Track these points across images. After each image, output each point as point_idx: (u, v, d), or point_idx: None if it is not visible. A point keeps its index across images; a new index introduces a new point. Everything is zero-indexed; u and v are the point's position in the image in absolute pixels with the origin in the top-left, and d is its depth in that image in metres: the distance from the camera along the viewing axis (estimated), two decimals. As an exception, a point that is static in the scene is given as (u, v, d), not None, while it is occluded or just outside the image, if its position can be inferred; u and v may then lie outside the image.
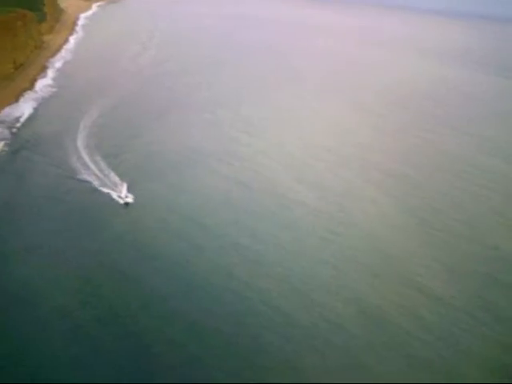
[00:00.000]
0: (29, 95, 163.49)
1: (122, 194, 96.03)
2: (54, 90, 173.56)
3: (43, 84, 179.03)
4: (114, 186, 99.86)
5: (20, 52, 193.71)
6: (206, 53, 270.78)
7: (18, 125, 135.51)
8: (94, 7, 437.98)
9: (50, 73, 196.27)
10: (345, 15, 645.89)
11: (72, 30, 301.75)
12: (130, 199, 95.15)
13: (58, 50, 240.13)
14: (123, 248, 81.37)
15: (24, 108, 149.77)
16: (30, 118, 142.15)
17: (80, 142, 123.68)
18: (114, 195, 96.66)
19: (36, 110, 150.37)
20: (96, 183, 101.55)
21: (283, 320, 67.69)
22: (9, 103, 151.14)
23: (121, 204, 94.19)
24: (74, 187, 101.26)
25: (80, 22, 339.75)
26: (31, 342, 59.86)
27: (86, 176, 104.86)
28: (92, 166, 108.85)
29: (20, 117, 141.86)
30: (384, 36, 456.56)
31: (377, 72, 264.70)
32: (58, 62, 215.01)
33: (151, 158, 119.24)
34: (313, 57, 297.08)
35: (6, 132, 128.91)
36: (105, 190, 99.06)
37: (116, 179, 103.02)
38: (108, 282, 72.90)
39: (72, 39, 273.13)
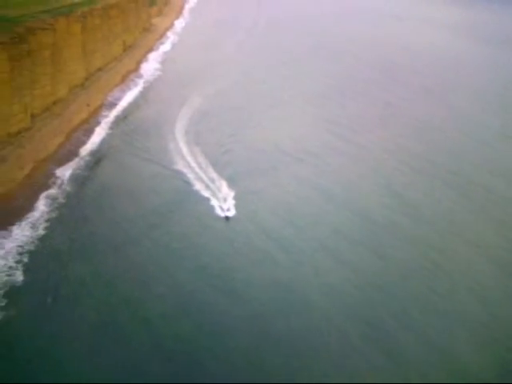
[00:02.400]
0: (135, 77, 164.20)
1: (224, 206, 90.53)
2: (158, 73, 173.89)
3: (149, 67, 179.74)
4: (212, 184, 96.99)
5: (129, 34, 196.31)
6: (318, 42, 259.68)
7: (123, 108, 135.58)
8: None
9: (156, 56, 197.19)
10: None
11: (179, 14, 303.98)
12: (231, 212, 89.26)
13: (165, 33, 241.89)
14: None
15: (129, 91, 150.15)
16: (134, 102, 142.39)
17: (179, 132, 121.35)
18: (214, 202, 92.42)
19: (140, 93, 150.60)
20: (195, 184, 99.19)
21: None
22: (116, 85, 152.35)
23: (221, 217, 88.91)
24: (170, 182, 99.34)
25: (188, 6, 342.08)
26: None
27: (183, 171, 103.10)
28: (192, 164, 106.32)
29: (125, 100, 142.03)
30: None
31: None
32: (164, 45, 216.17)
33: (254, 157, 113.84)
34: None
35: (111, 115, 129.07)
36: (199, 187, 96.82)
37: (215, 178, 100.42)
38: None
39: (179, 23, 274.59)
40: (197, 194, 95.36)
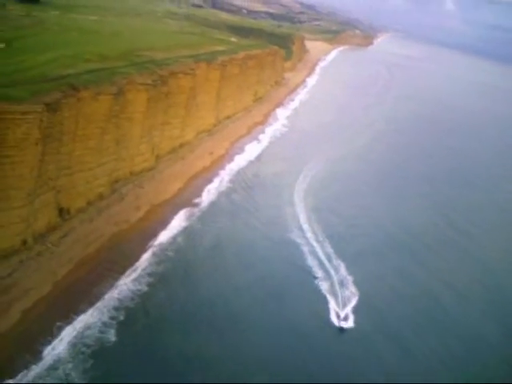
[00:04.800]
0: (261, 130, 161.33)
1: (341, 312, 75.41)
2: (284, 129, 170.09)
3: (275, 121, 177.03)
4: (329, 262, 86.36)
5: (262, 86, 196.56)
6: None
7: (244, 161, 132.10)
8: (336, 51, 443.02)
9: (284, 110, 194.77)
10: None
11: (311, 71, 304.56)
12: (348, 322, 73.68)
13: (296, 88, 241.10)
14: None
15: (253, 143, 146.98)
16: (257, 156, 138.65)
17: (298, 196, 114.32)
18: (328, 295, 79.95)
19: (264, 147, 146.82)
20: (308, 259, 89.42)
21: None
22: (241, 135, 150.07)
23: (335, 325, 73.96)
24: (282, 252, 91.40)
25: (320, 64, 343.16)
26: None
27: (297, 242, 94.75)
28: (308, 233, 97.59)
29: (248, 152, 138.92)
30: None
31: None
32: (293, 101, 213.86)
33: (376, 235, 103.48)
34: None
35: (233, 167, 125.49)
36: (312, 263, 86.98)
37: (332, 255, 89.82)
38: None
39: (310, 80, 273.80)
40: (309, 274, 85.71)
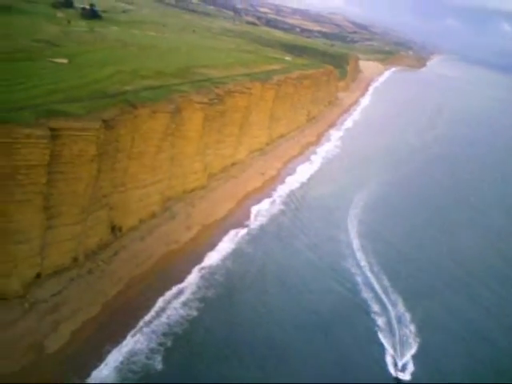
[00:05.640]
0: (313, 151, 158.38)
1: (399, 360, 67.82)
2: (337, 150, 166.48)
3: (328, 142, 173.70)
4: (385, 296, 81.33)
5: (315, 105, 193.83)
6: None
7: (296, 182, 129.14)
8: (389, 72, 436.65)
9: (337, 131, 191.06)
10: None
11: (365, 91, 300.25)
12: (406, 374, 66.08)
13: (349, 109, 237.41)
14: None
15: (305, 164, 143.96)
16: (309, 178, 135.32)
17: (352, 221, 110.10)
18: (383, 336, 73.49)
19: (317, 169, 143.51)
20: (362, 291, 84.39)
21: None
22: (294, 155, 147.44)
23: (391, 375, 66.90)
24: (333, 282, 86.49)
25: (373, 85, 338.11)
26: None
27: (351, 270, 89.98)
28: (362, 262, 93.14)
29: (300, 173, 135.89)
30: None
31: None
32: (346, 122, 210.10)
33: (435, 271, 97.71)
34: None
35: (284, 188, 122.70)
36: (366, 296, 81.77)
37: (389, 289, 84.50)
38: None
39: (364, 100, 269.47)
40: (362, 309, 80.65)
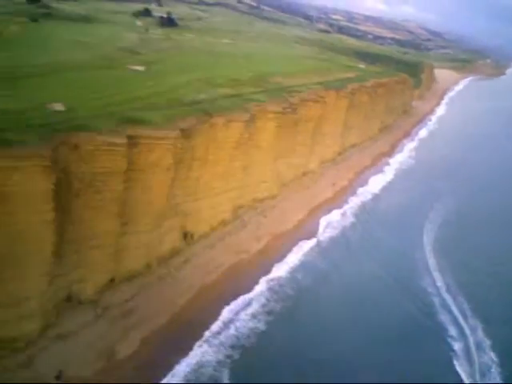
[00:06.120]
0: (386, 162, 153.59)
1: None
2: (411, 161, 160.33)
3: (402, 153, 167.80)
4: (465, 322, 76.45)
5: (389, 114, 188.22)
6: None
7: (369, 194, 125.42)
8: (465, 81, 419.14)
9: (411, 141, 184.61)
10: None
11: (440, 100, 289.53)
12: None
13: (424, 118, 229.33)
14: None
15: (378, 175, 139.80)
16: (381, 190, 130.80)
17: (427, 239, 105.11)
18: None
19: (389, 180, 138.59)
20: (439, 314, 79.49)
21: None
22: (366, 166, 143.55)
23: None
24: (408, 305, 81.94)
25: (448, 94, 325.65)
26: None
27: (427, 290, 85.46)
28: (438, 282, 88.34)
29: (372, 185, 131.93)
30: None
31: None
32: (421, 131, 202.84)
33: None
34: None
35: (356, 200, 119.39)
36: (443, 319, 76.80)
37: (468, 314, 79.23)
38: None
39: (439, 110, 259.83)
40: (436, 332, 75.96)
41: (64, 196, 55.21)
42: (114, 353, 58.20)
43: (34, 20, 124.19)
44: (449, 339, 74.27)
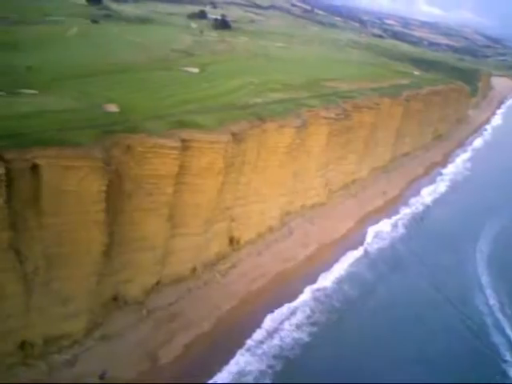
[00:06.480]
0: (439, 172, 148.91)
1: None
2: (466, 172, 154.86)
3: (456, 163, 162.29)
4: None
5: (443, 123, 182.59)
6: None
7: (421, 205, 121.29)
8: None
9: (466, 151, 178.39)
10: None
11: (497, 109, 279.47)
12: None
13: (479, 127, 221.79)
14: None
15: (431, 186, 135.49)
16: (435, 201, 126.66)
17: (480, 255, 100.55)
18: None
19: (443, 192, 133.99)
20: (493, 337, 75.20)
21: None
22: (418, 175, 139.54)
23: None
24: (459, 324, 78.15)
25: (506, 103, 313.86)
26: None
27: (480, 310, 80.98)
28: (491, 301, 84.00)
29: (424, 195, 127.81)
30: None
31: None
32: (476, 141, 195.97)
33: None
34: None
35: (407, 211, 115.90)
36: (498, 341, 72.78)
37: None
38: None
39: (495, 119, 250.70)
40: (489, 355, 71.97)
41: (115, 197, 55.28)
42: (158, 357, 57.87)
43: (95, 21, 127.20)
44: (503, 364, 70.40)
